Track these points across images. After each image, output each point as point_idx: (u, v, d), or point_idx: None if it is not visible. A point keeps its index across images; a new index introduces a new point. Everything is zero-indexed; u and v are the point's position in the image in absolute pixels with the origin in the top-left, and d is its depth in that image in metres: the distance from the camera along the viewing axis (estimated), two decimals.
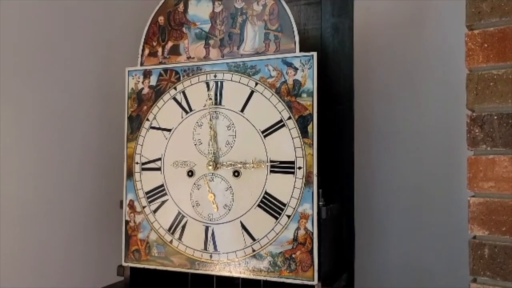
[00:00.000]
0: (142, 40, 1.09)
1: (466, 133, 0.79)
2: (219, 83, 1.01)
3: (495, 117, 0.79)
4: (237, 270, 0.97)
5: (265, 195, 0.96)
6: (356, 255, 1.09)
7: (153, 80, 1.08)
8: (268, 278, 0.95)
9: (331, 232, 1.00)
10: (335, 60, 1.10)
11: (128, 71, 1.10)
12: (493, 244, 0.78)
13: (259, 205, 0.96)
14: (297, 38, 0.96)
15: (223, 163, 0.99)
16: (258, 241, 0.95)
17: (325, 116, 1.08)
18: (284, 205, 0.94)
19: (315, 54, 0.94)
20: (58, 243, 1.21)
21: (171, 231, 1.03)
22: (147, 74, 1.08)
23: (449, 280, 1.14)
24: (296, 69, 0.95)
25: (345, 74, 1.10)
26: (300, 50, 0.96)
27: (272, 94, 0.96)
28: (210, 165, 0.99)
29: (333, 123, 1.08)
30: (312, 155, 0.92)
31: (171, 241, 1.03)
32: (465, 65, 0.80)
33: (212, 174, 1.00)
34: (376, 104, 1.29)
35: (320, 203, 0.94)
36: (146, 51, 1.09)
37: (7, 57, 1.10)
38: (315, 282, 0.90)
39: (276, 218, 0.94)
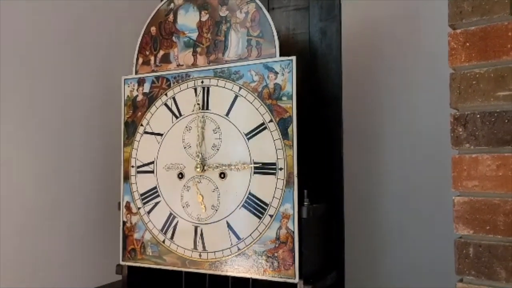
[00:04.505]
0: (136, 49, 1.15)
1: (450, 132, 0.80)
2: (205, 88, 1.05)
3: (478, 116, 0.79)
4: (224, 268, 1.01)
5: (249, 196, 0.99)
6: (347, 255, 1.10)
7: (146, 88, 1.13)
8: (253, 276, 0.98)
9: (316, 232, 1.02)
10: (323, 63, 1.12)
11: (124, 79, 1.16)
12: (478, 243, 0.78)
13: (243, 205, 0.99)
14: (277, 43, 0.99)
15: (210, 165, 1.03)
16: (243, 240, 0.99)
17: (314, 118, 1.11)
18: (267, 205, 0.97)
19: (294, 58, 0.96)
20: (60, 243, 1.29)
21: (163, 231, 1.08)
22: (141, 82, 1.14)
23: (440, 279, 1.13)
24: (276, 73, 0.98)
25: (333, 77, 1.12)
26: (289, 55, 0.98)
27: (255, 98, 1.00)
28: (198, 168, 1.03)
29: (322, 125, 1.10)
30: (292, 156, 0.95)
31: (163, 241, 1.08)
32: (448, 65, 0.80)
33: (200, 176, 1.04)
34: (364, 105, 1.30)
35: (306, 203, 0.96)
36: (140, 60, 1.15)
37: (12, 65, 1.18)
38: (296, 280, 0.93)
39: (260, 217, 0.97)
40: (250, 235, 0.98)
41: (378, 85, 1.31)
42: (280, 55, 0.98)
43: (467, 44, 0.81)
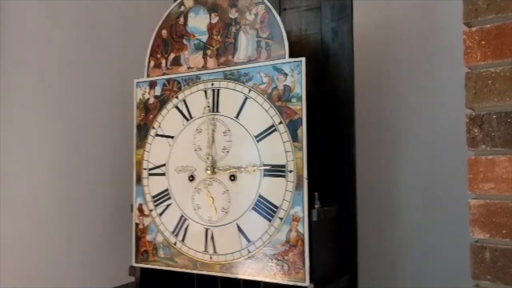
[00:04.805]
0: (148, 53, 1.16)
1: (466, 133, 0.78)
2: (215, 91, 1.05)
3: (494, 116, 0.77)
4: (235, 271, 1.00)
5: (259, 198, 0.98)
6: (360, 258, 1.08)
7: (157, 90, 1.14)
8: (263, 280, 0.97)
9: (327, 235, 1.00)
10: (335, 63, 1.11)
11: (136, 82, 1.17)
12: (494, 247, 0.76)
13: (253, 208, 0.99)
14: (286, 44, 0.98)
15: (220, 167, 1.03)
16: (253, 243, 0.98)
17: (326, 118, 1.09)
18: (277, 207, 0.96)
19: (303, 59, 0.95)
20: (74, 245, 1.31)
21: (175, 233, 1.09)
22: (152, 85, 1.15)
23: (456, 284, 1.10)
24: (286, 74, 0.97)
25: (345, 77, 1.10)
26: (301, 55, 0.97)
27: (264, 100, 0.99)
28: (208, 170, 1.03)
29: (334, 125, 1.09)
30: (302, 158, 0.94)
31: (175, 243, 1.08)
32: (464, 64, 0.78)
33: (211, 178, 1.04)
34: (377, 106, 1.27)
35: (316, 205, 0.95)
36: (152, 63, 1.16)
37: (26, 69, 1.21)
38: (307, 283, 0.92)
39: (270, 220, 0.97)
40: (260, 238, 0.97)
41: (390, 85, 1.28)
42: (293, 56, 0.97)
43: (483, 42, 0.79)
